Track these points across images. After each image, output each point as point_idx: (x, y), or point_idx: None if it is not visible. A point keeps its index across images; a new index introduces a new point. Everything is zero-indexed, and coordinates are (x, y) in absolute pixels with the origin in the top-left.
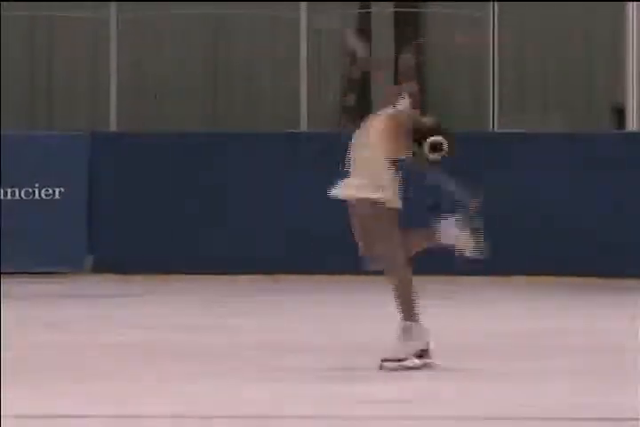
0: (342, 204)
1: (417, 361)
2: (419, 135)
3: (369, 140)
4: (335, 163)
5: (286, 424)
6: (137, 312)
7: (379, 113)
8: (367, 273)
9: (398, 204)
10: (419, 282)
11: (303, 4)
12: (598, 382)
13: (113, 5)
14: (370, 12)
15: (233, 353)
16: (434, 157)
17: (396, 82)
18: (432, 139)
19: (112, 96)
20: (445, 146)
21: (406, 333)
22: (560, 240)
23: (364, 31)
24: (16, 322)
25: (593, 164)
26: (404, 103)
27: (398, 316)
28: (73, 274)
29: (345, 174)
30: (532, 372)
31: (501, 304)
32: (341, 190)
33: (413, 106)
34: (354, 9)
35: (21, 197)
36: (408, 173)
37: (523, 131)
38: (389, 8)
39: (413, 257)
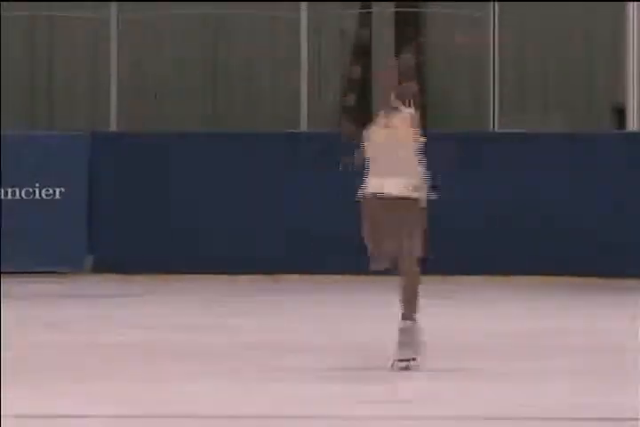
0: (359, 203)
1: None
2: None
3: (401, 141)
4: (335, 163)
5: (286, 424)
6: (137, 312)
7: (390, 113)
8: (367, 273)
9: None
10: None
11: (303, 4)
12: (598, 382)
13: (113, 5)
14: (370, 12)
15: (233, 353)
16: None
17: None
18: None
19: (112, 96)
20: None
21: (411, 332)
22: (560, 240)
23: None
24: (16, 322)
25: (593, 164)
26: (398, 104)
27: (400, 315)
28: (73, 274)
29: (366, 174)
30: (532, 372)
31: (501, 304)
32: (380, 188)
33: (413, 106)
34: (354, 9)
35: (22, 197)
36: None
37: (523, 131)
38: (390, 8)
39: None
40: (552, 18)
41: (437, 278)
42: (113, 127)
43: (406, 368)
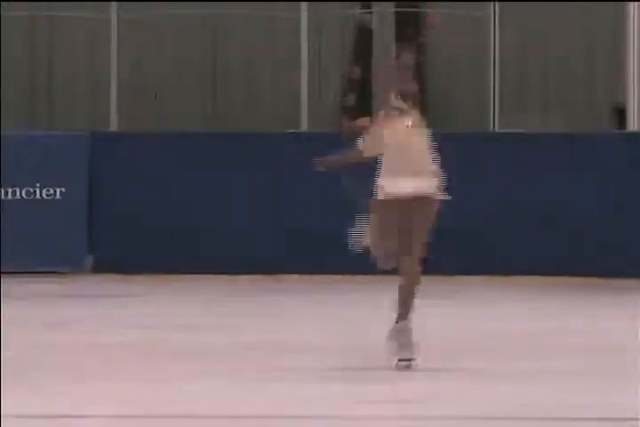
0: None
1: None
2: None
3: (422, 142)
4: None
5: (286, 424)
6: (137, 312)
7: (400, 113)
8: (367, 273)
9: None
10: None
11: (303, 4)
12: (598, 382)
13: (113, 5)
14: (370, 12)
15: (233, 353)
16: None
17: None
18: None
19: (112, 96)
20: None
21: (405, 333)
22: (560, 240)
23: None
24: (16, 322)
25: (593, 164)
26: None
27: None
28: (73, 274)
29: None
30: (532, 372)
31: (501, 304)
32: (412, 188)
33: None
34: (354, 9)
35: (22, 197)
36: None
37: (523, 131)
38: (390, 8)
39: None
40: (552, 18)
41: (437, 278)
42: (113, 127)
43: (407, 368)
